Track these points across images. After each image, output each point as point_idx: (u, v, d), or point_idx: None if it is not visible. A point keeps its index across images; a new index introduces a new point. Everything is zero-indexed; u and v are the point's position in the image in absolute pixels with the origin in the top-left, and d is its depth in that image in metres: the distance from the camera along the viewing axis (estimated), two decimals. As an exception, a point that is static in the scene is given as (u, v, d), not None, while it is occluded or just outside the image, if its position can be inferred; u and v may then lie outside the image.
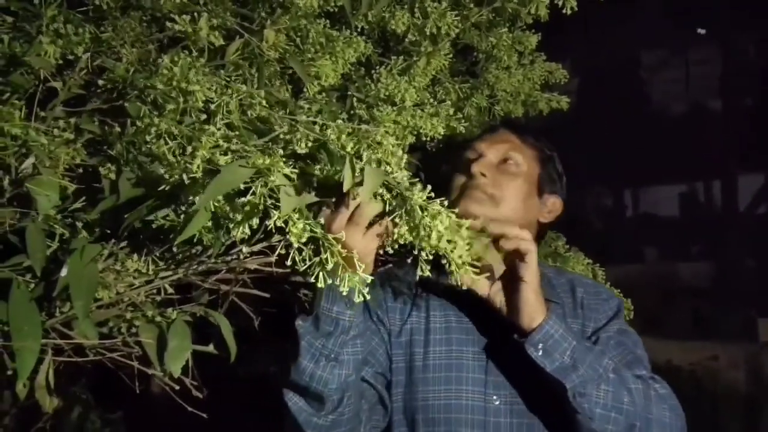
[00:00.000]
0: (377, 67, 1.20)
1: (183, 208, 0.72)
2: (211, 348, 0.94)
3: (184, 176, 0.66)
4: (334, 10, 1.08)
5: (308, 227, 0.66)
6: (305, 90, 0.99)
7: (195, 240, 0.76)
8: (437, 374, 1.06)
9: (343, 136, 0.74)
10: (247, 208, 0.66)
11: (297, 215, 0.66)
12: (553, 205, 1.18)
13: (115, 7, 0.86)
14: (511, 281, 0.99)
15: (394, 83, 1.08)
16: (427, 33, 1.12)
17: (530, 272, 0.97)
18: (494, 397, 1.04)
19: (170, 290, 0.94)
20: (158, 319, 0.88)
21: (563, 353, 0.96)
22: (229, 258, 0.94)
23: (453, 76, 1.38)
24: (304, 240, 0.66)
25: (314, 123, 0.77)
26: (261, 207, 0.66)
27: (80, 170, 0.80)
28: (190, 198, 0.68)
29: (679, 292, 4.93)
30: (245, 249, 0.89)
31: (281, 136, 0.75)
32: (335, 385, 0.94)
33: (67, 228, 0.79)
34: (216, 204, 0.68)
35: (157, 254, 0.84)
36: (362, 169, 0.70)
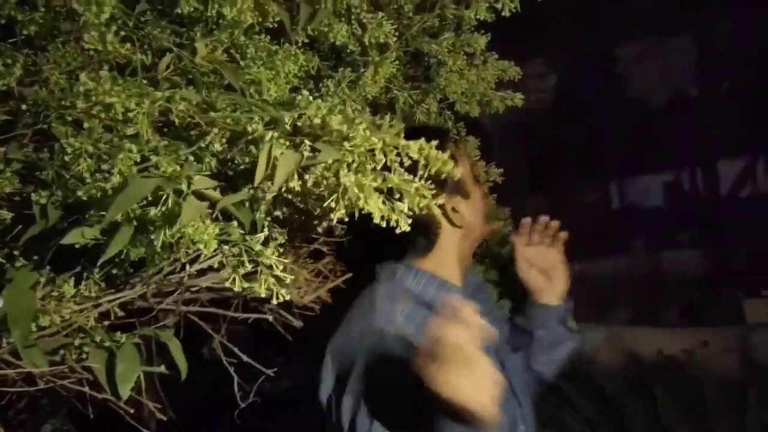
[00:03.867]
0: (325, 80, 1.20)
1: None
2: (162, 369, 0.94)
3: (98, 194, 0.66)
4: (274, 25, 1.09)
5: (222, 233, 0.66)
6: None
7: (124, 258, 0.76)
8: None
9: (259, 126, 0.74)
10: (157, 218, 0.66)
11: (208, 222, 0.66)
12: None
13: (45, 35, 0.86)
14: None
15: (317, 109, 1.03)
16: (367, 43, 1.13)
17: None
18: None
19: (120, 313, 0.95)
20: (107, 343, 0.89)
21: None
22: (177, 277, 0.94)
23: (405, 82, 1.39)
24: (213, 247, 0.66)
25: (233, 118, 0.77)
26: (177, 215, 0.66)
27: (16, 198, 0.81)
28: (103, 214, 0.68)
29: (667, 281, 4.95)
30: (189, 268, 0.89)
31: (204, 139, 0.76)
32: None
33: (5, 258, 0.79)
34: (132, 216, 0.69)
35: (98, 278, 0.84)
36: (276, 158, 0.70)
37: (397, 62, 1.25)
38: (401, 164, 0.85)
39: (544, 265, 1.25)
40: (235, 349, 1.19)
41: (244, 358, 1.18)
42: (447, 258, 1.12)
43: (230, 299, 1.22)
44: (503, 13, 1.16)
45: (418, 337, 0.97)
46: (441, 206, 1.02)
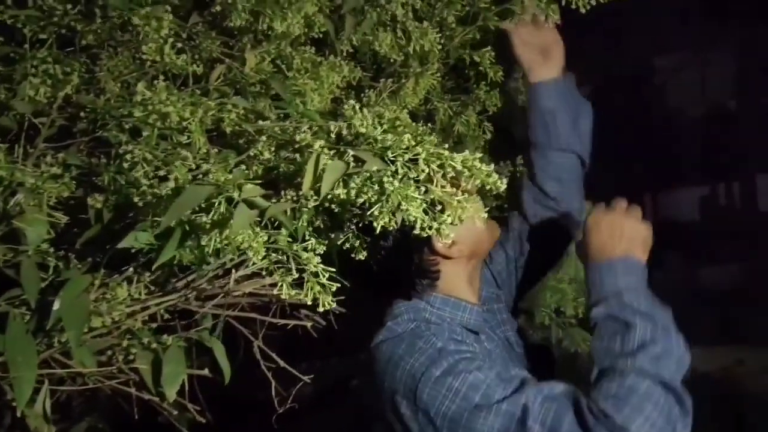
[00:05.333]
0: (366, 90, 1.22)
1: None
2: (206, 371, 0.96)
3: (153, 199, 0.68)
4: (319, 36, 1.11)
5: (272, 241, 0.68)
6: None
7: (176, 263, 0.78)
8: None
9: (308, 136, 0.76)
10: (208, 224, 0.68)
11: (257, 230, 0.68)
12: None
13: (101, 44, 0.89)
14: None
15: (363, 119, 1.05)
16: (410, 53, 1.14)
17: None
18: None
19: (166, 316, 0.97)
20: (154, 345, 0.91)
21: None
22: (222, 283, 0.96)
23: (445, 94, 1.41)
24: (261, 255, 0.68)
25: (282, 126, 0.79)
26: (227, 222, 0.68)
27: (72, 202, 0.83)
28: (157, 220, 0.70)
29: (702, 297, 4.85)
30: (235, 273, 0.91)
31: (253, 148, 0.78)
32: None
33: (60, 260, 0.82)
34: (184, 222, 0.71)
35: (148, 281, 0.86)
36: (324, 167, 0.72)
37: (437, 74, 1.26)
38: (444, 176, 0.86)
39: (538, 43, 1.22)
40: (273, 354, 1.20)
41: (281, 363, 1.19)
42: (455, 282, 1.11)
43: (269, 304, 1.23)
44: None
45: (456, 345, 0.99)
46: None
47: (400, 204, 0.78)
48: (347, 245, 0.91)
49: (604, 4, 1.12)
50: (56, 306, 0.75)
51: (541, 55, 1.22)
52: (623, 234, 1.04)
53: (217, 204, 0.69)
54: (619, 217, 1.06)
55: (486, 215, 0.96)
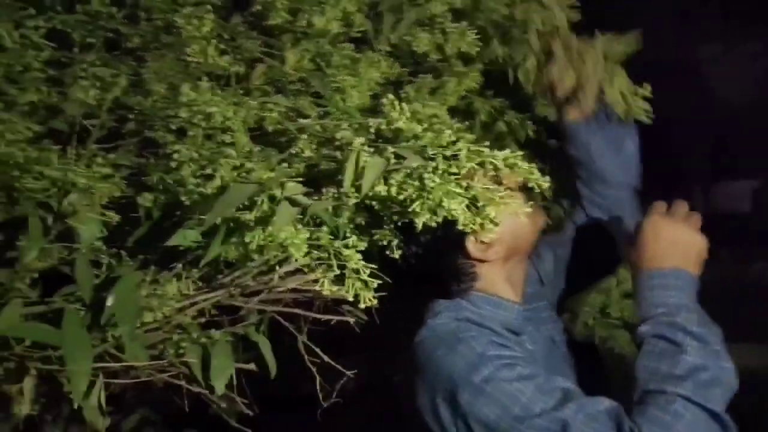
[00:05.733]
0: (405, 86, 1.22)
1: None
2: (252, 366, 0.98)
3: (200, 198, 0.70)
4: (359, 35, 1.12)
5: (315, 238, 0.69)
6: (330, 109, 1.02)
7: (222, 259, 0.80)
8: None
9: (348, 133, 0.77)
10: (251, 222, 0.69)
11: (299, 227, 0.69)
12: None
13: (147, 46, 0.91)
14: None
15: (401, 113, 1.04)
16: (448, 53, 1.14)
17: None
18: None
19: (213, 311, 1.00)
20: (202, 339, 0.93)
21: None
22: (266, 279, 0.98)
23: (486, 91, 1.39)
24: (303, 252, 0.69)
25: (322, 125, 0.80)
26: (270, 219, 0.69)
27: (123, 201, 0.86)
28: (202, 217, 0.72)
29: (756, 293, 4.70)
30: (279, 269, 0.93)
31: (294, 146, 0.79)
32: None
33: (113, 257, 0.84)
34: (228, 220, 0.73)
35: (196, 277, 0.89)
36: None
37: (477, 73, 1.25)
38: (485, 173, 0.86)
39: (570, 80, 1.20)
40: (317, 350, 1.22)
41: (326, 358, 1.20)
42: (495, 281, 1.09)
43: (313, 300, 1.25)
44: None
45: (493, 350, 0.98)
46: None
47: (441, 200, 0.78)
48: (386, 242, 0.91)
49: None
50: (109, 302, 0.78)
51: (574, 92, 1.20)
52: (680, 244, 1.01)
53: (260, 202, 0.71)
54: (678, 226, 1.03)
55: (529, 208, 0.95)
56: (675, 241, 1.02)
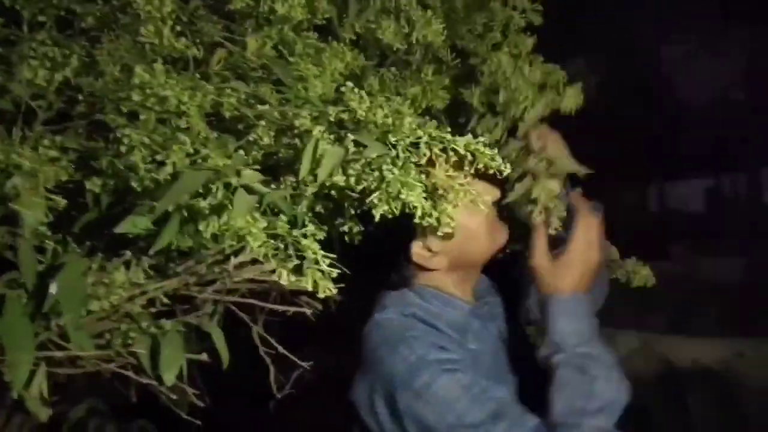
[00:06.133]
0: (370, 78, 1.21)
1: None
2: (204, 356, 0.97)
3: (152, 184, 0.68)
4: (323, 23, 1.10)
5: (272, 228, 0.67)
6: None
7: (174, 248, 0.78)
8: None
9: (307, 121, 0.76)
10: (205, 210, 0.67)
11: (257, 215, 0.67)
12: None
13: (102, 27, 0.88)
14: None
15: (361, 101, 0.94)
16: (414, 41, 1.13)
17: None
18: None
19: (166, 301, 0.97)
20: (153, 329, 0.91)
21: None
22: (220, 269, 0.96)
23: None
24: (260, 242, 0.67)
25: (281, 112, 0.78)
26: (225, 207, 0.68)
27: (70, 186, 0.83)
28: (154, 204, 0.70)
29: (705, 289, 4.85)
30: (234, 259, 0.91)
31: (253, 133, 0.77)
32: None
33: (58, 243, 0.81)
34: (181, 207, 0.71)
35: (147, 266, 0.86)
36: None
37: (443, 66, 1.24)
38: (446, 160, 0.85)
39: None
40: (272, 340, 1.21)
41: (280, 349, 1.19)
42: (444, 281, 1.09)
43: (268, 291, 1.24)
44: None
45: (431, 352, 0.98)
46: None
47: (399, 191, 0.77)
48: (346, 231, 0.90)
49: None
50: (53, 289, 0.75)
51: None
52: (589, 267, 1.00)
53: (215, 189, 0.69)
54: (593, 247, 1.00)
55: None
56: (587, 266, 1.00)
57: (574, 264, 0.99)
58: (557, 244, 1.03)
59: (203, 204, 0.70)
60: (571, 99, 1.17)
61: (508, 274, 1.22)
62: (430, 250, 1.05)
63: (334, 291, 0.69)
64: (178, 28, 0.88)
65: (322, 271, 0.69)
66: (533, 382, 1.02)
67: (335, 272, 0.71)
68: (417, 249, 1.04)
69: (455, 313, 1.08)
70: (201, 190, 0.69)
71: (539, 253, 1.01)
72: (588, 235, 1.00)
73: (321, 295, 0.69)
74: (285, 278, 0.68)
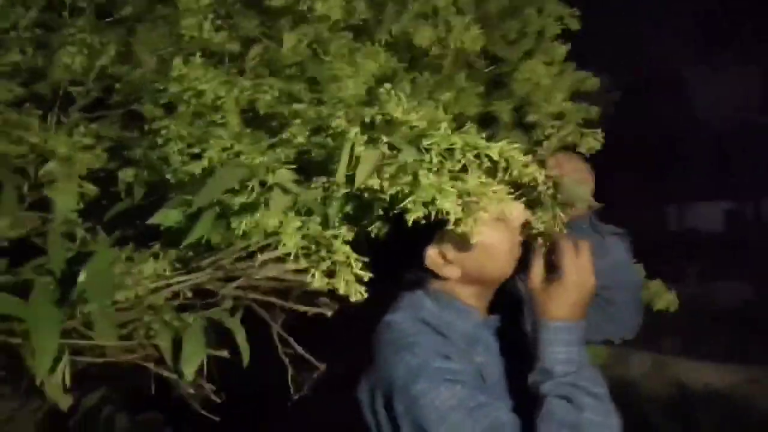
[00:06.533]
0: (402, 82, 1.20)
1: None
2: (225, 353, 0.96)
3: (186, 177, 0.67)
4: (359, 23, 1.09)
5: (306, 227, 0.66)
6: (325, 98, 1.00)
7: (204, 242, 0.77)
8: None
9: (343, 122, 0.75)
10: (239, 206, 0.67)
11: (291, 214, 0.67)
12: None
13: (138, 17, 0.88)
14: None
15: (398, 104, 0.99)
16: (452, 46, 1.12)
17: None
18: None
19: (189, 294, 0.96)
20: (175, 323, 0.90)
21: None
22: (245, 265, 0.95)
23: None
24: (294, 241, 0.66)
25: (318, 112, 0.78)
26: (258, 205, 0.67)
27: (103, 174, 0.83)
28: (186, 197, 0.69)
29: (721, 313, 4.80)
30: (260, 256, 0.90)
31: (287, 130, 0.77)
32: None
33: (88, 231, 0.81)
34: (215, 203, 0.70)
35: (174, 258, 0.86)
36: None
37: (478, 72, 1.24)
38: (480, 166, 0.84)
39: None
40: (291, 339, 1.19)
41: (299, 350, 1.18)
42: (460, 289, 1.06)
43: (289, 290, 1.23)
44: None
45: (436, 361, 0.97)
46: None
47: (433, 197, 0.76)
48: (376, 231, 0.89)
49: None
50: (81, 277, 0.75)
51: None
52: (584, 294, 0.97)
53: (250, 187, 0.68)
54: (587, 274, 0.98)
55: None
56: (581, 293, 0.97)
57: (569, 290, 0.96)
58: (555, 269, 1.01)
59: (236, 200, 0.70)
60: (590, 141, 1.16)
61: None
62: (444, 258, 1.03)
63: (365, 294, 0.68)
64: (217, 21, 0.88)
65: (354, 274, 0.68)
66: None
67: (368, 275, 0.70)
68: (432, 254, 1.03)
69: (467, 323, 1.06)
70: (236, 187, 0.69)
71: (535, 277, 0.99)
72: (579, 261, 0.97)
73: (353, 299, 0.68)
74: (319, 280, 0.67)
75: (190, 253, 0.92)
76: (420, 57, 1.32)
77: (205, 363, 0.92)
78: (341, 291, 0.68)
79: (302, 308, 1.09)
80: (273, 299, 1.09)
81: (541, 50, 1.33)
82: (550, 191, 1.04)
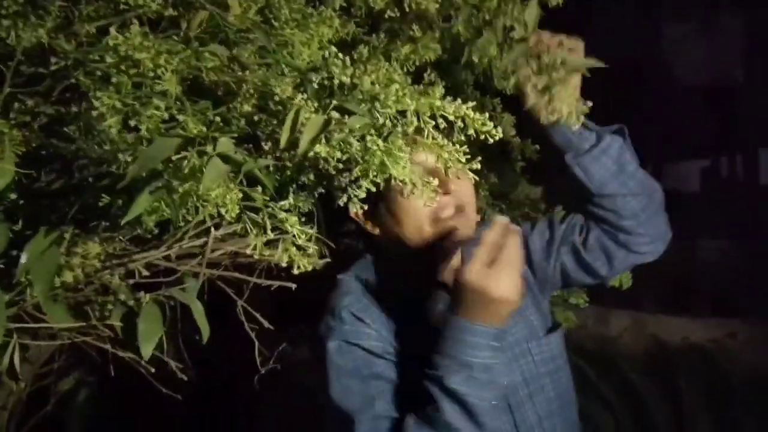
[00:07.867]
0: (359, 47, 1.17)
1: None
2: (179, 330, 0.94)
3: (121, 155, 0.65)
4: (312, -11, 1.06)
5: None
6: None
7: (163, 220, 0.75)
8: None
9: (289, 88, 0.72)
10: (178, 177, 0.64)
11: (231, 186, 0.64)
12: None
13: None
14: None
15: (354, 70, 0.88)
16: (407, 9, 1.09)
17: None
18: None
19: (145, 273, 0.94)
20: (130, 302, 0.88)
21: None
22: (201, 241, 0.93)
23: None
24: (235, 213, 0.64)
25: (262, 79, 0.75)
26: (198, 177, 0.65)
27: (42, 152, 0.80)
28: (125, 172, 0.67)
29: (699, 270, 4.85)
30: (215, 232, 0.88)
31: (233, 99, 0.74)
32: None
33: (29, 213, 0.78)
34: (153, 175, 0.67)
35: (128, 237, 0.83)
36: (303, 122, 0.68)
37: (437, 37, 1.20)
38: (435, 127, 0.82)
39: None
40: (258, 315, 1.18)
41: (266, 324, 1.17)
42: (391, 244, 1.05)
43: (254, 265, 1.21)
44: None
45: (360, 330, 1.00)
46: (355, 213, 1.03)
47: (383, 164, 0.74)
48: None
49: None
50: (23, 259, 0.72)
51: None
52: (500, 303, 0.88)
53: (189, 157, 0.66)
54: (506, 282, 0.88)
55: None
56: (497, 299, 0.88)
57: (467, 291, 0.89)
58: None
59: (174, 171, 0.67)
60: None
61: None
62: (365, 213, 1.05)
63: (310, 267, 0.66)
64: (157, -13, 0.84)
65: (299, 246, 0.66)
66: None
67: (312, 247, 0.68)
68: (353, 210, 0.98)
69: (396, 284, 1.06)
70: (175, 159, 0.66)
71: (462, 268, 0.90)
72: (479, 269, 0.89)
73: (296, 272, 0.66)
74: (258, 251, 0.65)
75: (143, 232, 0.90)
76: (381, 22, 1.28)
77: (164, 341, 0.90)
78: (283, 263, 0.66)
79: (264, 282, 1.07)
80: (234, 274, 1.07)
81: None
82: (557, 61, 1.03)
